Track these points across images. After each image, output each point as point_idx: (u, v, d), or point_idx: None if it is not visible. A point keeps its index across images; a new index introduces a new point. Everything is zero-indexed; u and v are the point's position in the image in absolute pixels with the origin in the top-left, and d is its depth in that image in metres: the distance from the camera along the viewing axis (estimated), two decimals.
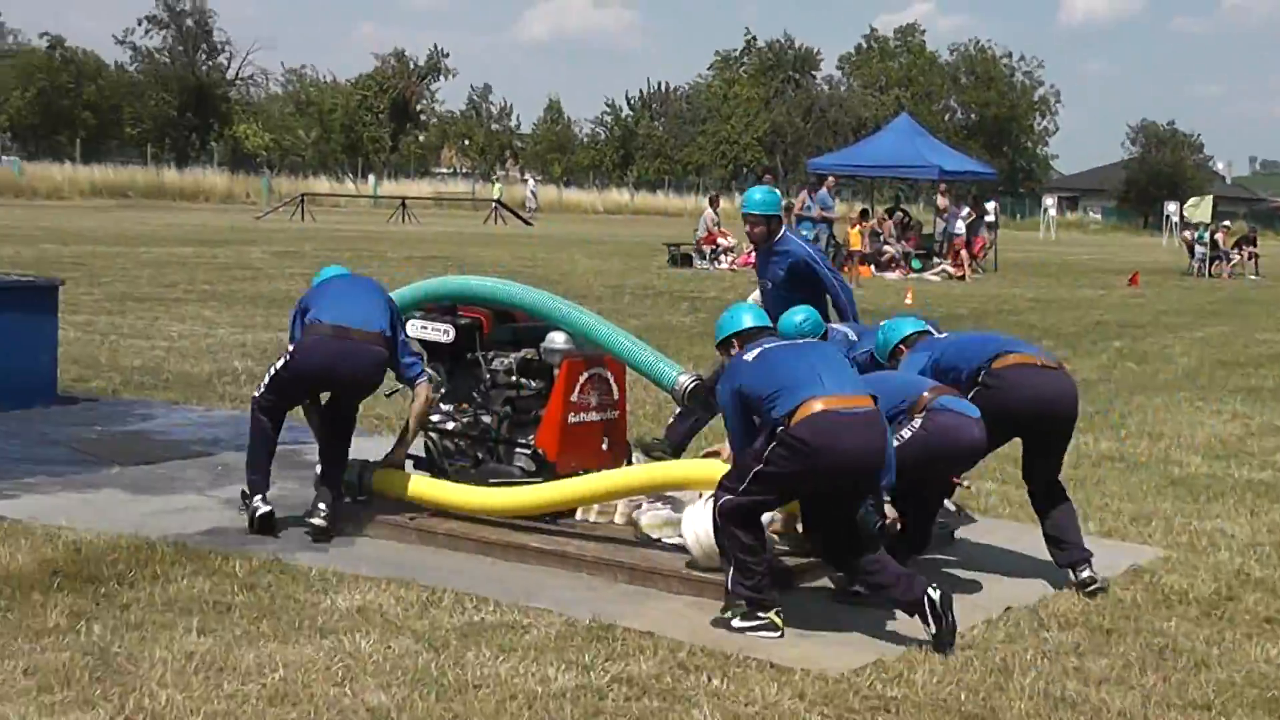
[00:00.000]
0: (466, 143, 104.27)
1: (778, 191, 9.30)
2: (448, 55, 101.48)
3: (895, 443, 6.41)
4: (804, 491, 6.34)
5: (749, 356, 6.39)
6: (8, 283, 11.39)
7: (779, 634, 6.17)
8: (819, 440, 6.02)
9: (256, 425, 7.53)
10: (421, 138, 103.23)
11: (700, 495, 7.74)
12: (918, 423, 6.61)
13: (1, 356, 10.57)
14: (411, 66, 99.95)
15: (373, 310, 7.54)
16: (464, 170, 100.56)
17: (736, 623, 6.21)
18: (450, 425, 8.09)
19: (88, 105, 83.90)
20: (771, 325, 7.05)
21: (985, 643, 6.28)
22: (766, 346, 6.45)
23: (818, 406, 6.05)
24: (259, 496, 7.52)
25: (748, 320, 6.87)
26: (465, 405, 8.11)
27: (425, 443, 8.18)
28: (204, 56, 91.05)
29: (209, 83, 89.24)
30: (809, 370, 6.21)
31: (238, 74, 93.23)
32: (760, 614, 6.20)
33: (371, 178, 76.87)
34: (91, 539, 7.12)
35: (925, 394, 6.70)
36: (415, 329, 8.12)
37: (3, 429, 9.89)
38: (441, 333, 8.14)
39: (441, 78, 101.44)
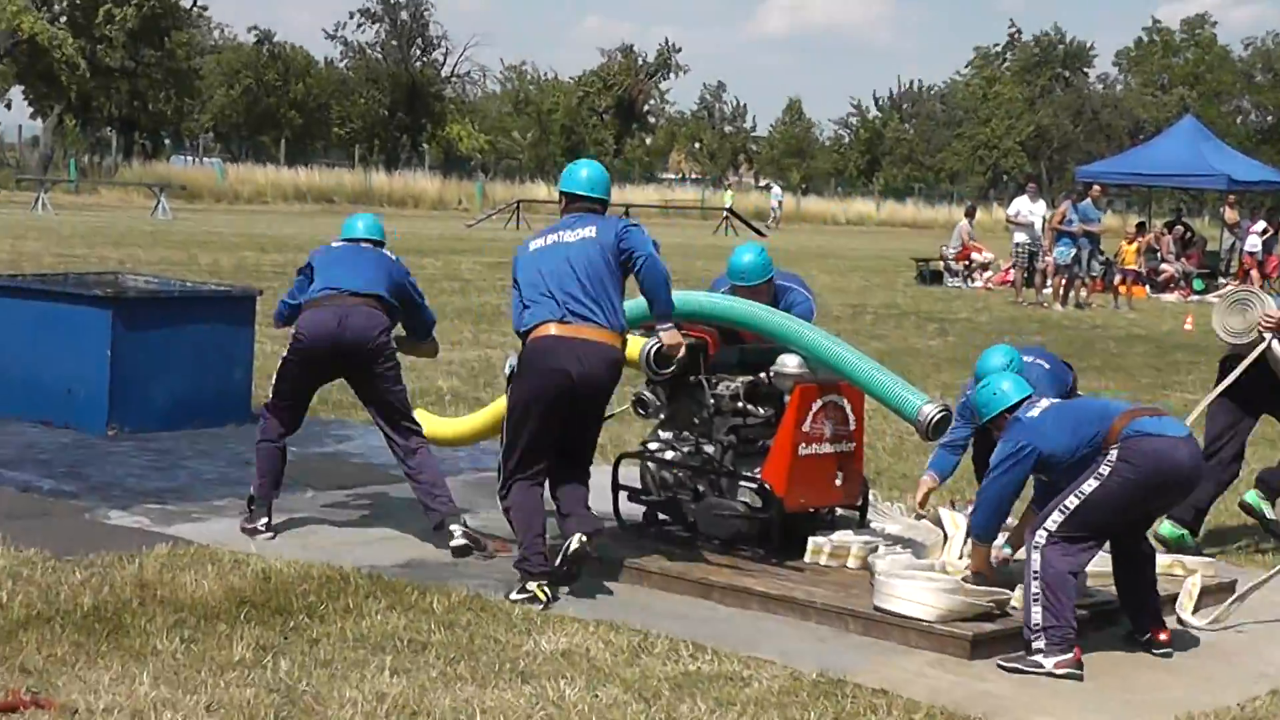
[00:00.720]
0: (697, 146, 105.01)
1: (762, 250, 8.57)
2: (679, 50, 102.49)
3: (1092, 484, 6.65)
4: (1135, 512, 6.81)
5: (1034, 414, 6.88)
6: (203, 293, 11.78)
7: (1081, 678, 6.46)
8: (1149, 460, 6.63)
9: (265, 428, 8.39)
10: (648, 140, 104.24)
11: (941, 553, 7.61)
12: (1114, 455, 6.68)
13: (195, 371, 10.91)
14: (639, 63, 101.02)
15: (371, 273, 8.38)
16: (693, 176, 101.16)
17: (1046, 662, 6.48)
18: (669, 454, 8.08)
19: (294, 104, 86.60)
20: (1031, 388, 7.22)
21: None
22: (1045, 406, 6.94)
23: (1141, 428, 6.70)
24: (264, 520, 8.10)
25: (1013, 392, 7.06)
26: (686, 433, 8.09)
27: (641, 472, 8.19)
28: (418, 52, 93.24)
29: (423, 80, 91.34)
30: (1100, 406, 7.04)
31: (453, 71, 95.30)
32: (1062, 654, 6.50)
33: None
34: (281, 568, 7.28)
35: (1116, 421, 6.77)
36: (635, 349, 8.13)
37: (195, 448, 10.21)
38: None
39: (671, 75, 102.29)
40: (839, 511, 8.18)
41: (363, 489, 9.36)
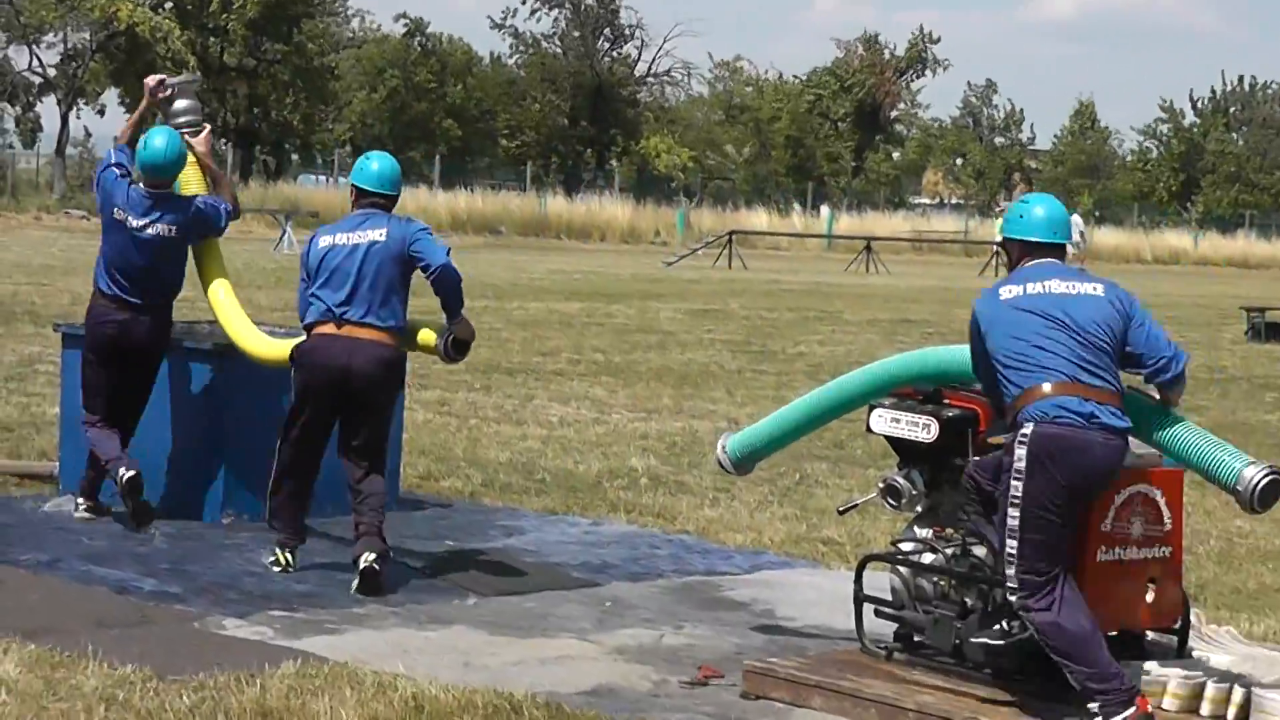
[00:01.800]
0: (959, 162, 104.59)
1: None
2: (936, 41, 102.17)
3: None
4: None
5: None
6: None
7: None
8: None
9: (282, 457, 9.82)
10: (896, 155, 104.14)
11: None
12: None
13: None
14: (886, 57, 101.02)
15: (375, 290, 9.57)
16: (953, 200, 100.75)
17: None
18: (928, 558, 8.03)
19: (452, 111, 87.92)
20: None
21: None
22: None
23: None
24: (287, 548, 9.60)
25: None
26: (949, 530, 8.03)
27: (891, 581, 8.15)
28: (606, 45, 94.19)
29: (612, 81, 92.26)
30: None
31: (650, 69, 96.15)
32: None
33: (825, 209, 77.90)
34: (437, 693, 7.35)
35: None
36: (883, 423, 8.12)
37: (328, 541, 10.38)
38: (919, 428, 8.09)
39: (926, 72, 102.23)
40: (1150, 636, 8.04)
41: (538, 595, 9.43)
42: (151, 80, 11.14)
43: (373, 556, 9.24)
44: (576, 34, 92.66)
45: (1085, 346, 7.35)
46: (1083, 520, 7.58)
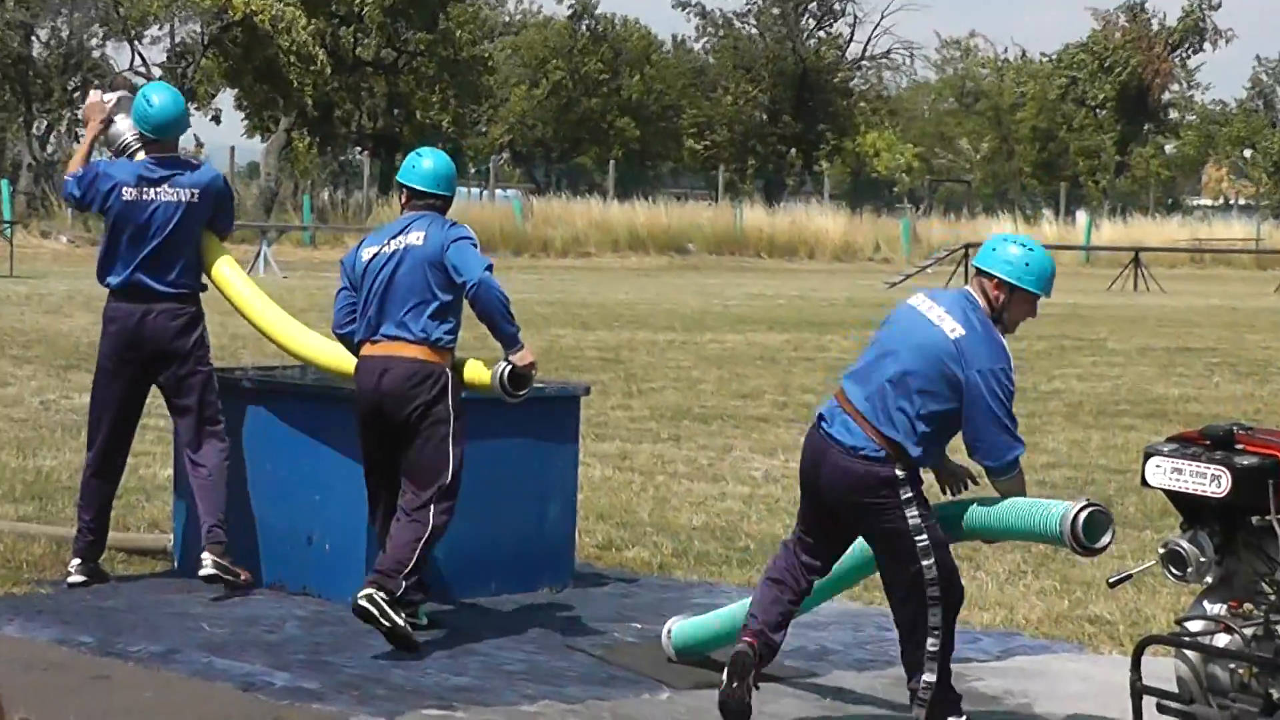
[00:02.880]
0: (1247, 154, 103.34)
1: None
2: (1217, 7, 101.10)
3: None
4: None
5: None
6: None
7: None
8: None
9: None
10: (1169, 148, 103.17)
11: None
12: None
13: (489, 508, 11.08)
14: (1156, 29, 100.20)
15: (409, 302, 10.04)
16: (1241, 202, 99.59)
17: None
18: (1222, 640, 7.92)
19: (629, 108, 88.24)
20: None
21: None
22: None
23: None
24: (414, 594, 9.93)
25: None
26: (1248, 606, 7.91)
27: (1176, 668, 8.05)
28: (812, 24, 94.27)
29: (819, 66, 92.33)
30: None
31: (865, 51, 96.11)
32: None
33: (1082, 215, 77.33)
34: None
35: None
36: (1161, 475, 8.01)
37: (491, 624, 10.43)
38: (1207, 480, 7.98)
39: (1206, 46, 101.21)
40: None
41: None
42: (95, 97, 11.66)
43: (367, 592, 9.71)
44: (776, 11, 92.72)
45: None
46: None
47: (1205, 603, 8.08)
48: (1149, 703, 8.08)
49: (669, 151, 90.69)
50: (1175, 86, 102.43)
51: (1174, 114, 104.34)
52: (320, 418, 11.05)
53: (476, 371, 10.12)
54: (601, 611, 10.91)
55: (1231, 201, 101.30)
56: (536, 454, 11.42)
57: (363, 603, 9.63)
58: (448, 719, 8.67)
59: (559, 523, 11.53)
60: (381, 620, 9.62)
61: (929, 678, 8.25)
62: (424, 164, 10.31)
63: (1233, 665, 7.91)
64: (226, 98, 75.75)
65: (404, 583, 9.73)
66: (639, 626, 10.54)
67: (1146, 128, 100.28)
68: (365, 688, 9.15)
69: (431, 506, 9.90)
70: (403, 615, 9.68)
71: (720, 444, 17.99)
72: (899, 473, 8.20)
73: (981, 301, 8.50)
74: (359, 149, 73.41)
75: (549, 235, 59.90)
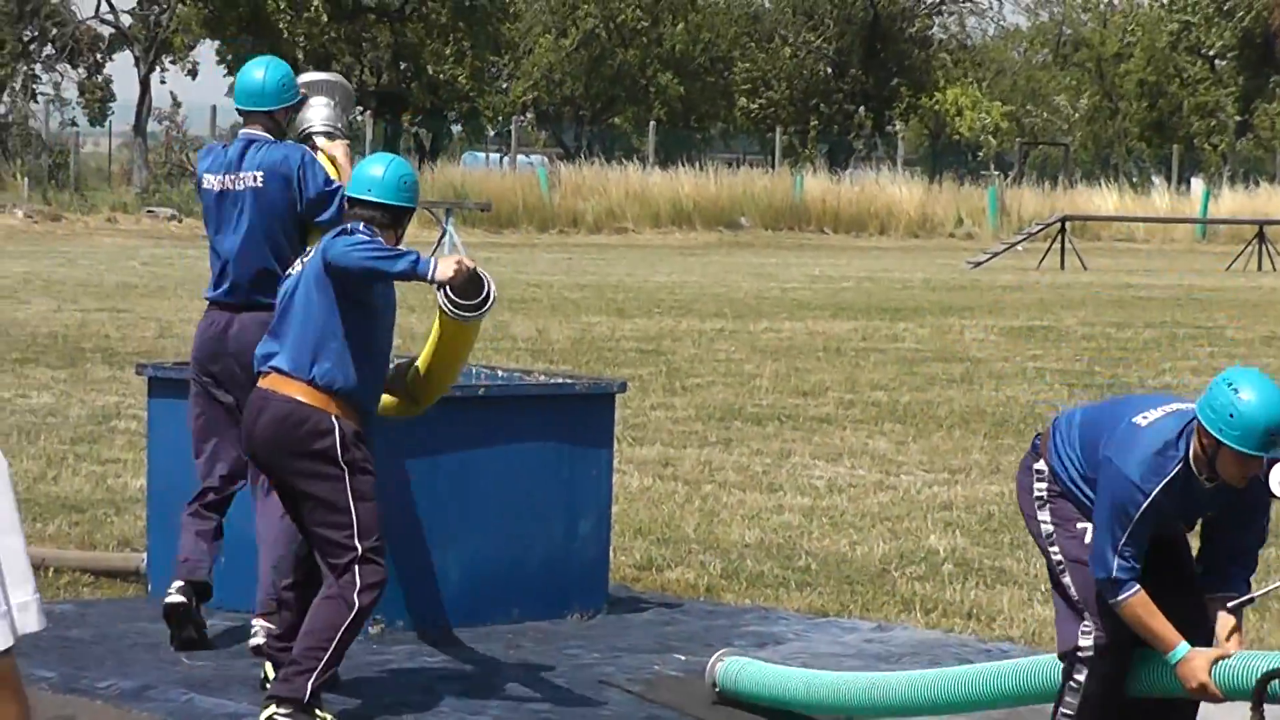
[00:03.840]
0: None
1: None
2: None
3: None
4: None
5: None
6: (518, 389, 12.02)
7: None
8: None
9: None
10: None
11: None
12: None
13: (512, 522, 11.17)
14: None
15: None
16: None
17: None
18: None
19: (671, 61, 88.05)
20: None
21: None
22: None
23: None
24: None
25: None
26: None
27: None
28: None
29: (892, 12, 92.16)
30: None
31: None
32: None
33: (1197, 184, 77.03)
34: None
35: None
36: None
37: (514, 655, 10.46)
38: None
39: None
40: None
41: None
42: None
43: (267, 714, 8.94)
44: None
45: None
46: None
47: None
48: None
49: (718, 111, 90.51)
50: None
51: None
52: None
53: (435, 333, 9.61)
54: (641, 640, 10.95)
55: None
56: (565, 461, 11.44)
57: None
58: None
59: (591, 540, 11.54)
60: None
61: None
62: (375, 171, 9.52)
63: None
64: (206, 50, 75.92)
65: (312, 685, 8.93)
66: (682, 658, 10.55)
67: (1274, 81, 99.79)
68: None
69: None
70: None
71: (777, 448, 17.98)
72: None
73: (1195, 440, 7.98)
74: (360, 108, 73.38)
75: (579, 208, 59.77)
